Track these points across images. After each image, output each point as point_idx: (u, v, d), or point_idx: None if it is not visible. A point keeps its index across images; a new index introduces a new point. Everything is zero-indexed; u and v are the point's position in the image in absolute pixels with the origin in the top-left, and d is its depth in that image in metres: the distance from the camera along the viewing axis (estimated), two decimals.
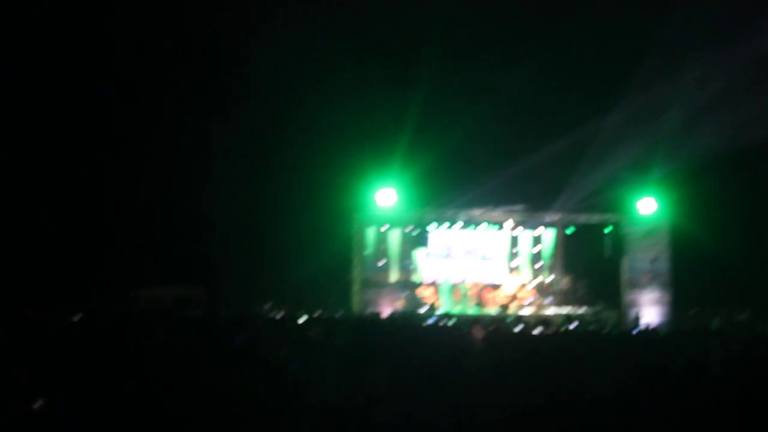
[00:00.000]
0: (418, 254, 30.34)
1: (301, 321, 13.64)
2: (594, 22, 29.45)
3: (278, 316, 18.70)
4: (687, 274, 30.34)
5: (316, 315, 21.08)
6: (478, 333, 12.01)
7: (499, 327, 15.08)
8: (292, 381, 6.57)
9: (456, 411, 5.59)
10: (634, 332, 17.89)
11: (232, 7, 28.52)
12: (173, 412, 5.66)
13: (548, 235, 32.62)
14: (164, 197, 29.30)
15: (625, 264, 30.44)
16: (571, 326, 18.54)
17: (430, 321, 17.84)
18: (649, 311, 29.35)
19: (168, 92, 28.93)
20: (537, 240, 32.55)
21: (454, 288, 29.72)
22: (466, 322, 14.53)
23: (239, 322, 12.34)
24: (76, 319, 14.44)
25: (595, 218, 30.98)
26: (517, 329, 14.60)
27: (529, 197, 30.37)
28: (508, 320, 20.23)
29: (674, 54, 27.98)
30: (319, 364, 7.41)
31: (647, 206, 30.53)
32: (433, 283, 30.43)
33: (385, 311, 25.87)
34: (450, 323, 16.27)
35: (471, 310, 28.99)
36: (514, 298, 30.34)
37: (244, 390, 5.77)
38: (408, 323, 16.39)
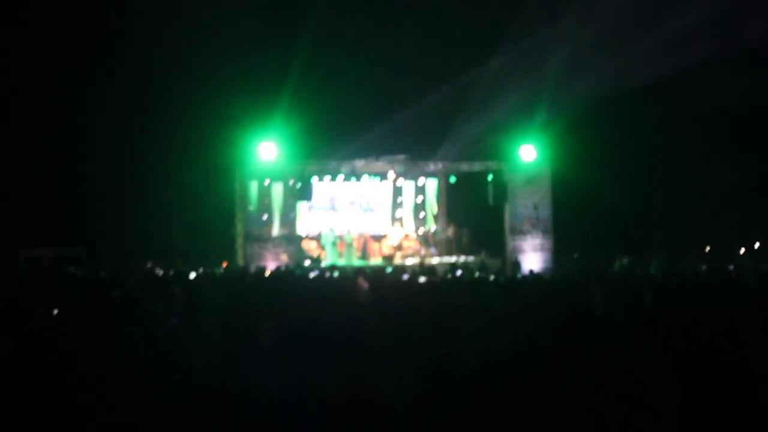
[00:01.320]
0: (302, 207, 30.10)
1: (182, 277, 13.28)
2: None
3: (158, 272, 18.26)
4: (568, 219, 30.90)
5: (198, 271, 20.71)
6: (363, 284, 11.85)
7: (384, 277, 14.96)
8: (172, 337, 6.32)
9: (342, 368, 5.37)
10: (519, 277, 17.98)
11: None
12: (51, 373, 5.32)
13: (431, 185, 32.81)
14: (41, 154, 28.37)
15: (508, 211, 30.78)
16: (457, 273, 18.59)
17: (314, 273, 17.61)
18: (532, 257, 29.77)
19: (48, 40, 27.88)
20: (420, 190, 32.69)
21: (338, 240, 29.60)
22: (350, 274, 14.35)
23: (115, 279, 11.97)
24: None
25: (477, 166, 31.20)
26: (403, 278, 14.47)
27: (411, 147, 30.40)
28: (394, 270, 20.14)
29: (554, 1, 28.20)
30: (200, 321, 7.17)
31: (528, 153, 30.87)
32: (317, 236, 30.27)
33: (270, 265, 25.59)
34: (335, 275, 16.06)
35: (356, 261, 28.94)
36: (398, 248, 30.40)
37: (122, 348, 5.48)
38: (291, 277, 16.12)
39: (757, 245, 33.94)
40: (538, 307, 9.57)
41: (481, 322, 8.67)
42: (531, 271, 25.47)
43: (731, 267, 18.99)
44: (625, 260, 27.57)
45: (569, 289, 12.03)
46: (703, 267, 20.87)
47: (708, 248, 34.08)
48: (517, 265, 28.65)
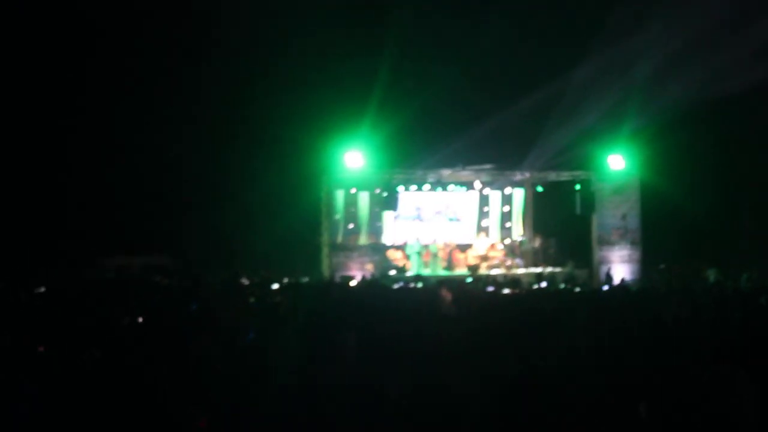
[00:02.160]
0: (388, 216, 30.18)
1: (266, 286, 13.43)
2: None
3: (243, 282, 18.46)
4: (657, 230, 30.42)
5: (283, 281, 20.90)
6: (447, 295, 11.85)
7: (469, 288, 14.95)
8: (251, 350, 6.40)
9: (425, 382, 5.40)
10: (605, 289, 17.79)
11: None
12: (132, 383, 5.47)
13: (518, 194, 32.62)
14: (131, 162, 28.92)
15: (595, 221, 30.46)
16: (542, 285, 18.48)
17: (399, 284, 17.66)
18: (620, 268, 29.39)
19: (131, 59, 28.48)
20: (506, 199, 32.52)
21: (423, 249, 29.59)
22: (435, 285, 14.36)
23: (195, 289, 12.13)
24: (42, 289, 14.18)
25: (564, 176, 30.94)
26: (488, 290, 14.45)
27: (497, 156, 30.27)
28: (478, 281, 20.10)
29: (642, 5, 27.86)
30: (282, 332, 7.24)
31: (617, 162, 30.53)
32: (403, 246, 30.31)
33: (356, 275, 25.70)
34: (419, 285, 16.10)
35: (441, 271, 28.92)
36: (484, 258, 30.29)
37: (199, 361, 5.58)
38: (376, 288, 16.20)
39: None
40: (619, 319, 9.49)
41: (563, 332, 8.62)
42: (622, 280, 25.26)
43: None
44: (713, 273, 27.04)
45: (651, 301, 11.90)
46: None
47: None
48: (609, 278, 28.24)
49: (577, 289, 16.04)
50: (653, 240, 30.46)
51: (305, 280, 24.64)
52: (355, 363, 6.27)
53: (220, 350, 5.95)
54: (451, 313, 11.06)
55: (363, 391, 5.05)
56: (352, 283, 18.46)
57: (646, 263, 30.33)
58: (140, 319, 8.23)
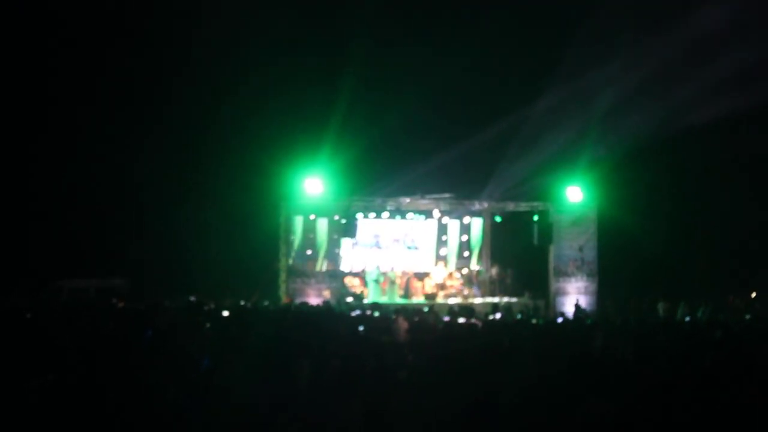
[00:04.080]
0: (346, 243, 30.15)
1: (221, 312, 13.35)
2: (522, 8, 29.56)
3: (200, 306, 18.34)
4: (613, 262, 30.65)
5: (240, 305, 20.81)
6: (403, 324, 11.88)
7: (425, 318, 14.97)
8: (204, 378, 6.34)
9: (379, 412, 5.39)
10: (559, 321, 17.88)
11: None
12: (85, 409, 5.40)
13: (476, 224, 32.76)
14: (87, 184, 28.70)
15: (552, 252, 30.62)
16: (498, 316, 18.54)
17: (356, 312, 17.64)
18: (576, 299, 29.55)
19: (90, 81, 28.34)
20: (465, 228, 32.64)
21: (381, 277, 29.58)
22: (392, 313, 14.36)
23: (150, 314, 12.00)
24: None
25: (522, 206, 31.15)
26: (444, 319, 14.48)
27: (456, 185, 30.41)
28: (433, 310, 20.15)
29: (601, 41, 28.20)
30: (236, 360, 7.19)
31: (575, 194, 30.78)
32: (361, 273, 30.29)
33: (313, 301, 25.63)
34: (375, 314, 16.10)
35: (398, 299, 28.93)
36: (441, 287, 30.35)
37: (151, 388, 5.53)
38: (332, 315, 16.16)
39: None
40: (572, 353, 9.55)
41: (517, 365, 8.67)
42: (577, 307, 25.47)
43: None
44: (663, 306, 27.32)
45: (609, 333, 12.00)
46: (747, 316, 20.54)
47: (754, 294, 33.60)
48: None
49: (534, 321, 16.10)
50: (610, 272, 30.67)
51: (263, 304, 24.55)
52: (308, 389, 6.26)
53: (173, 378, 5.90)
54: (407, 342, 11.08)
55: (315, 417, 5.05)
56: (309, 309, 18.44)
57: (603, 295, 30.53)
58: (93, 346, 8.13)
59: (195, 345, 7.66)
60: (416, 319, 13.75)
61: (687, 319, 21.13)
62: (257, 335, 9.27)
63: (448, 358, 8.58)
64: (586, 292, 30.29)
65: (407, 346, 10.44)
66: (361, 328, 13.39)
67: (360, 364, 7.47)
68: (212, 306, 18.45)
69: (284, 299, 27.08)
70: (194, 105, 29.32)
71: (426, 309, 20.55)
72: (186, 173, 30.08)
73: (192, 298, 24.21)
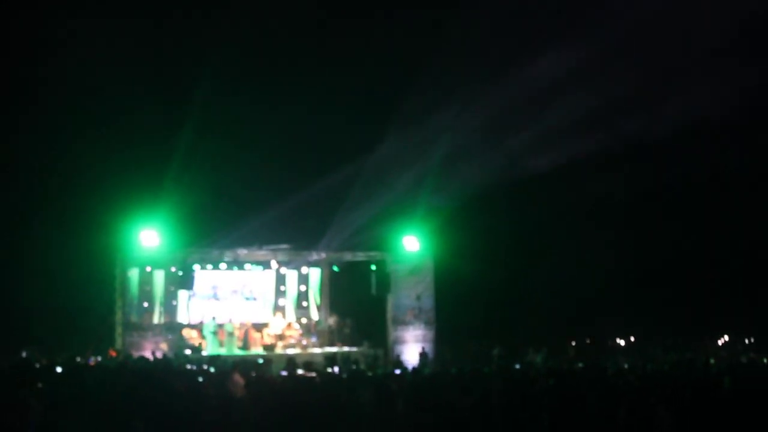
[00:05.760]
0: (183, 295, 29.79)
1: (54, 370, 13.04)
2: (357, 62, 30.11)
3: (31, 364, 17.79)
4: (450, 309, 31.28)
5: (75, 361, 20.31)
6: (239, 380, 11.89)
7: (263, 372, 15.00)
8: None
9: None
10: (397, 372, 18.15)
11: None
12: None
13: (314, 274, 32.92)
14: None
15: (390, 301, 31.05)
16: (335, 368, 18.68)
17: (192, 366, 17.50)
18: (414, 348, 29.99)
19: None
20: (303, 279, 32.73)
21: (219, 328, 29.34)
22: (229, 368, 14.29)
23: None
24: None
25: (360, 256, 31.50)
26: (281, 373, 14.55)
27: (294, 236, 30.53)
28: (268, 362, 20.18)
29: (438, 90, 28.93)
30: (67, 420, 7.08)
31: (411, 243, 31.35)
32: (199, 325, 29.93)
33: (149, 355, 25.20)
34: (212, 369, 16.01)
35: (237, 350, 28.73)
36: (280, 337, 30.27)
37: None
38: (169, 370, 15.98)
39: (632, 339, 34.89)
40: (408, 406, 9.79)
41: (351, 417, 8.84)
42: (421, 353, 25.92)
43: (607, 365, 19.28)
44: (498, 352, 28.09)
45: (440, 387, 12.31)
46: (580, 364, 21.18)
47: (588, 340, 34.80)
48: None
49: (369, 374, 16.32)
50: (447, 319, 31.28)
51: (98, 359, 24.01)
52: None
53: None
54: (244, 397, 11.10)
55: None
56: (146, 365, 18.15)
57: (440, 342, 31.09)
58: None
59: (24, 407, 7.37)
60: (253, 374, 13.78)
61: (517, 366, 21.74)
62: (90, 395, 9.11)
63: (288, 413, 8.68)
64: (424, 340, 30.78)
65: (246, 401, 10.48)
66: (200, 380, 13.34)
67: (196, 421, 7.50)
68: (44, 362, 17.96)
69: (110, 353, 26.40)
70: (28, 155, 28.64)
71: (260, 361, 20.55)
72: (19, 224, 29.22)
73: (24, 354, 23.49)
